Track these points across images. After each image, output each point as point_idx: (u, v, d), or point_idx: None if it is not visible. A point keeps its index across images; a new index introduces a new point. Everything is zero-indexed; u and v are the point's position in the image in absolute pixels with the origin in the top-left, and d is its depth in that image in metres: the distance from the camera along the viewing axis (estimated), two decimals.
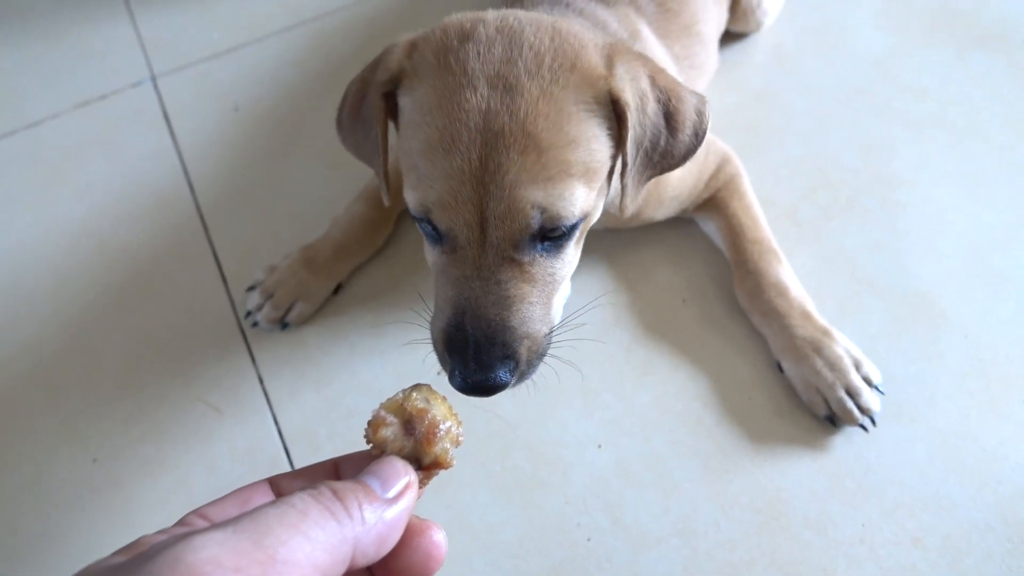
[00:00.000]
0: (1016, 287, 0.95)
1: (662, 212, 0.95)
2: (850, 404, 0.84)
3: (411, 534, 0.36)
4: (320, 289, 0.99)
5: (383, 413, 0.40)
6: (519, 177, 0.59)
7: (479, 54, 0.62)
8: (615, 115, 0.64)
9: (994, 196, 1.03)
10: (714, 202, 0.96)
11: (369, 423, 0.39)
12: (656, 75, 0.67)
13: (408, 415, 0.39)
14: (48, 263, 1.09)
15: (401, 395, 0.41)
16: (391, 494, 0.35)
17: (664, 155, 0.68)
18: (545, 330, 0.67)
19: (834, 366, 0.85)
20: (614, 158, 0.67)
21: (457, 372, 0.63)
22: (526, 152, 0.59)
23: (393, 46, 0.68)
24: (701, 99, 0.70)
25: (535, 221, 0.61)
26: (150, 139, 1.22)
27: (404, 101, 0.66)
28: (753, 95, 1.17)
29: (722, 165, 0.96)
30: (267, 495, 0.38)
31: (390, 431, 0.39)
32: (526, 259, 0.63)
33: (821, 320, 0.89)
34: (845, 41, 1.22)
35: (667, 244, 1.03)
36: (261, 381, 0.97)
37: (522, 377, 0.66)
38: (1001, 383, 0.89)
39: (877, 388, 0.86)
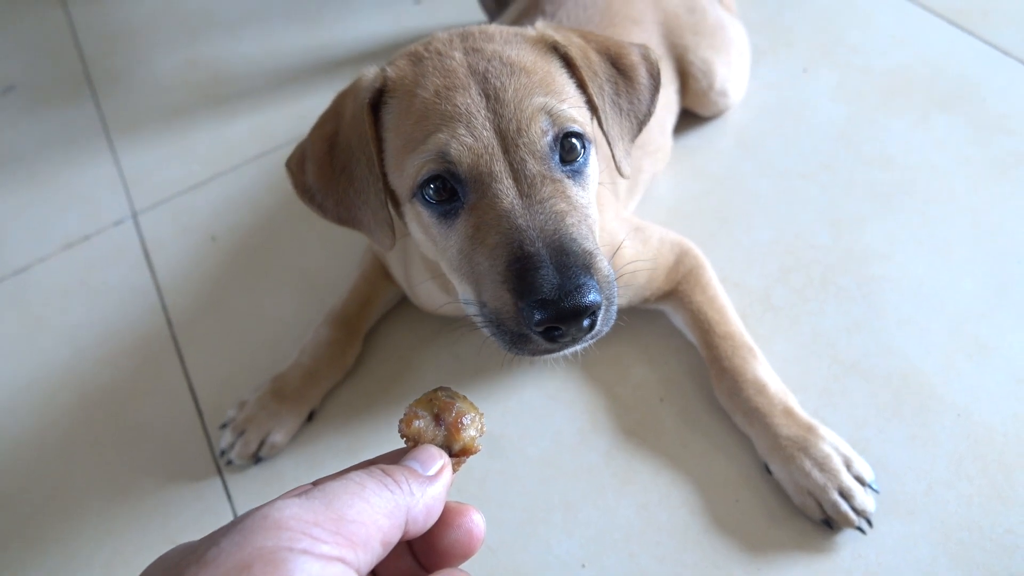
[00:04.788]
0: (1003, 356, 0.91)
1: (621, 295, 0.93)
2: (845, 507, 0.80)
3: (452, 515, 0.41)
4: (292, 419, 0.98)
5: (414, 408, 0.44)
6: (519, 92, 0.66)
7: (446, 41, 0.72)
8: (568, 70, 0.73)
9: (970, 262, 1.01)
10: (677, 296, 0.94)
11: (401, 419, 0.44)
12: (587, 35, 0.78)
13: (437, 408, 0.44)
14: (29, 412, 1.10)
15: (426, 393, 0.45)
16: (431, 472, 0.40)
17: (631, 101, 0.77)
18: (602, 257, 0.66)
19: (824, 466, 0.81)
20: (590, 110, 0.74)
21: (540, 298, 0.59)
22: (516, 74, 0.67)
23: (361, 75, 0.73)
24: (643, 46, 0.80)
25: (546, 124, 0.66)
26: (131, 277, 1.25)
27: (388, 111, 0.70)
28: (717, 180, 1.17)
29: (680, 257, 0.95)
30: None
31: (422, 423, 0.43)
32: (556, 175, 0.66)
33: (805, 416, 0.86)
34: (804, 117, 1.22)
35: (641, 341, 1.01)
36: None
37: (608, 306, 0.63)
38: (1000, 463, 0.84)
39: (871, 486, 0.82)
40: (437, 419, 0.43)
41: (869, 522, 0.80)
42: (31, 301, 1.25)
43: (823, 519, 0.81)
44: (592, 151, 0.71)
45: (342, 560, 0.33)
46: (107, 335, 1.17)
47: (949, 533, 0.80)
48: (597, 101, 0.73)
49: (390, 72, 0.71)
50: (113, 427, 1.06)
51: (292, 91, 1.49)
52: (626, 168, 0.77)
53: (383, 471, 0.38)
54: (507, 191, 0.64)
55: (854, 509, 0.80)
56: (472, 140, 0.64)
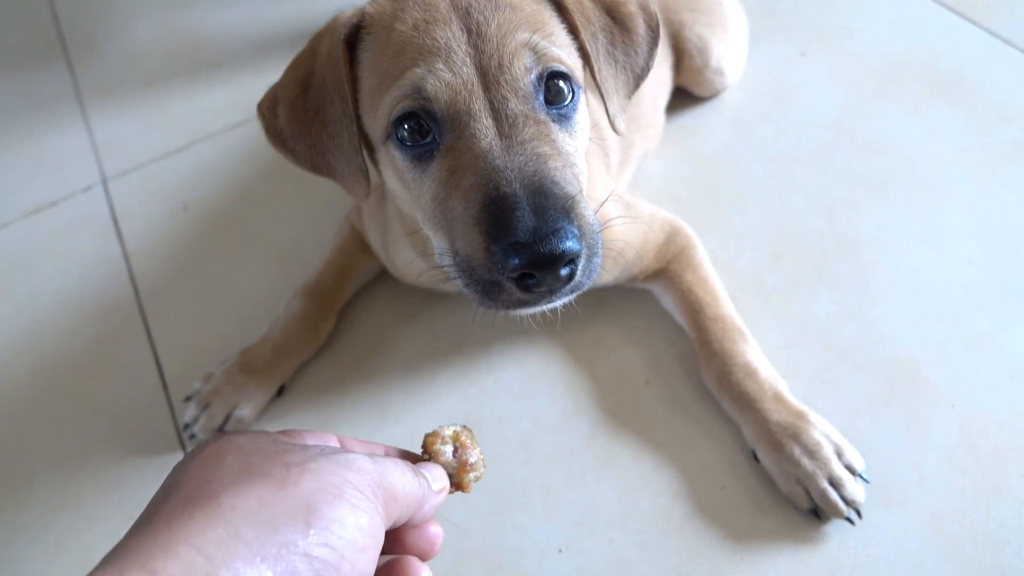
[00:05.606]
0: (999, 347, 0.89)
1: (608, 270, 0.89)
2: (834, 496, 0.76)
3: (424, 523, 0.49)
4: (260, 393, 0.93)
5: (443, 434, 0.52)
6: (502, 27, 0.62)
7: None
8: (560, 15, 0.68)
9: (965, 251, 0.98)
10: (667, 275, 0.91)
11: (428, 434, 0.52)
12: None
13: (459, 443, 0.52)
14: None
15: (455, 428, 0.52)
16: (436, 489, 0.48)
17: (627, 53, 0.72)
18: (585, 203, 0.61)
19: (814, 454, 0.78)
20: (582, 58, 0.69)
21: (513, 240, 0.54)
22: (501, 9, 0.63)
23: (340, 13, 0.69)
24: None
25: (530, 61, 0.62)
26: (98, 244, 1.19)
27: (364, 48, 0.66)
28: (710, 162, 1.14)
29: (672, 236, 0.91)
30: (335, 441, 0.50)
31: (444, 448, 0.51)
32: (540, 116, 0.62)
33: (795, 402, 0.82)
34: (801, 101, 1.19)
35: (627, 322, 0.97)
36: None
37: (590, 256, 0.58)
38: (994, 456, 0.81)
39: (861, 476, 0.78)
40: (455, 452, 0.51)
41: (858, 512, 0.77)
42: None
43: (811, 508, 0.78)
44: (582, 99, 0.67)
45: (382, 524, 0.42)
46: (71, 303, 1.12)
47: (940, 525, 0.77)
48: (590, 49, 0.69)
49: (369, 8, 0.66)
50: (73, 398, 1.01)
51: (272, 61, 1.44)
52: (620, 124, 0.72)
53: (414, 471, 0.45)
54: (486, 131, 0.59)
55: (843, 499, 0.76)
56: (450, 76, 0.60)
